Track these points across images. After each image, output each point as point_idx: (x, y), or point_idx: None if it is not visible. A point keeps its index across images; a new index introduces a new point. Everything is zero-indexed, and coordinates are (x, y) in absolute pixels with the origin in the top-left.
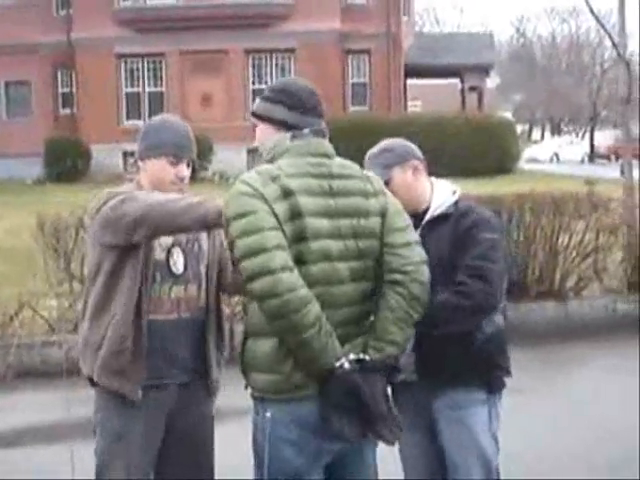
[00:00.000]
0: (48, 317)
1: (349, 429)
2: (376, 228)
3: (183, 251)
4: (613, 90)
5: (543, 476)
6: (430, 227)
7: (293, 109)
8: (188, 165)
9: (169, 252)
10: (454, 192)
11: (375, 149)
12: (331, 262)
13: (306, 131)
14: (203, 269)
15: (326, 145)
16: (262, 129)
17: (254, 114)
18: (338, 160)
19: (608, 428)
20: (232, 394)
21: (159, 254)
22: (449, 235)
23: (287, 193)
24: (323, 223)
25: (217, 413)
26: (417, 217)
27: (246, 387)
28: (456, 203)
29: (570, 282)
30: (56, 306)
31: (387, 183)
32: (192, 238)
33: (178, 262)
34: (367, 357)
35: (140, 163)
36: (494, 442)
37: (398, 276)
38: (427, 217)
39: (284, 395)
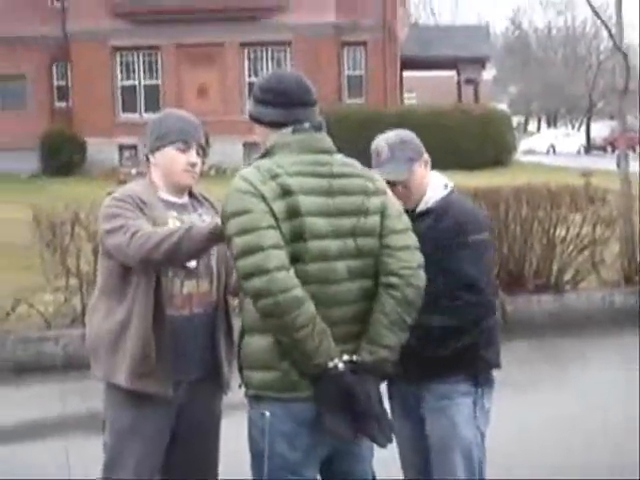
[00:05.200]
0: (44, 312)
1: (341, 429)
2: (376, 227)
3: None
4: (609, 82)
5: (541, 469)
6: (414, 223)
7: (282, 107)
8: (198, 153)
9: None
10: (446, 186)
11: (394, 138)
12: (329, 261)
13: (307, 125)
14: (214, 264)
15: (326, 140)
16: (260, 130)
17: (250, 116)
18: (339, 157)
19: (607, 421)
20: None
21: None
22: (430, 231)
23: (286, 192)
24: (322, 222)
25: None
26: (407, 212)
27: (240, 386)
28: (446, 197)
29: (567, 275)
30: (52, 301)
31: (403, 180)
32: None
33: None
34: (360, 359)
35: (151, 158)
36: (478, 434)
37: (394, 279)
38: (415, 212)
39: (279, 394)
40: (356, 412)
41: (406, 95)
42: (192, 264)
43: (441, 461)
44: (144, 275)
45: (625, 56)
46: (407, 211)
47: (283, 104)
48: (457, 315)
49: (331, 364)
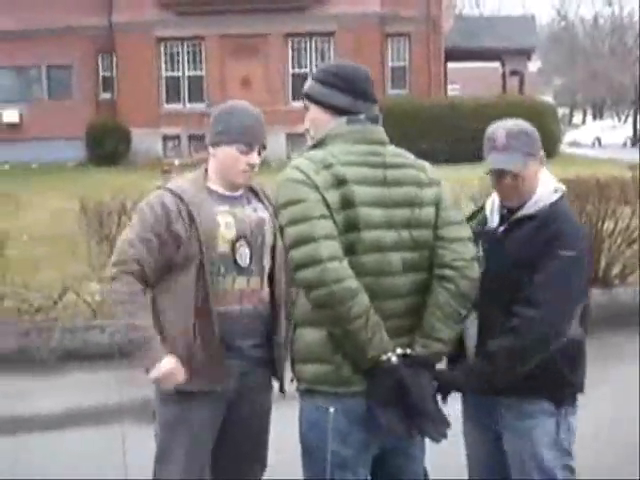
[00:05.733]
0: (91, 301)
1: (394, 424)
2: (430, 218)
3: (248, 243)
4: None
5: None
6: (515, 225)
7: (349, 94)
8: (259, 152)
9: (234, 245)
10: (556, 190)
11: (512, 127)
12: (383, 252)
13: (362, 117)
14: (267, 262)
15: (381, 132)
16: (316, 113)
17: (308, 96)
18: (392, 148)
19: None
20: None
21: (223, 247)
22: (531, 239)
23: (340, 181)
24: (376, 213)
25: None
26: (510, 211)
27: (292, 380)
28: (555, 204)
29: (616, 269)
30: (98, 290)
31: (516, 173)
32: (256, 231)
33: (244, 255)
34: (414, 352)
35: (210, 149)
36: (560, 455)
37: (448, 271)
38: (519, 214)
39: (332, 388)
40: (409, 407)
41: (450, 87)
42: (246, 262)
43: None
44: (185, 273)
45: None
46: (509, 210)
47: (353, 92)
48: (516, 334)
49: (384, 357)
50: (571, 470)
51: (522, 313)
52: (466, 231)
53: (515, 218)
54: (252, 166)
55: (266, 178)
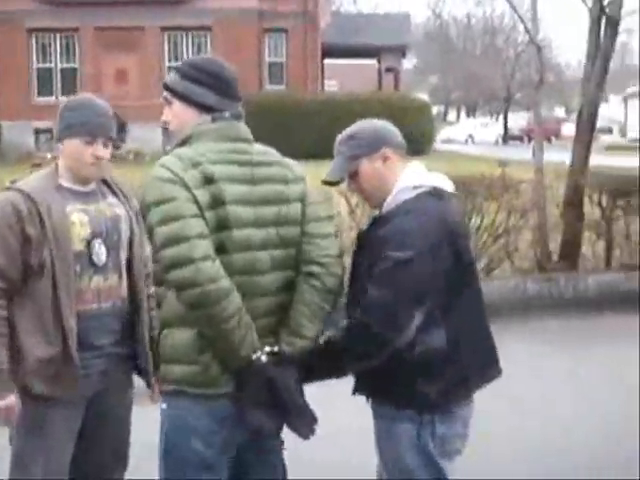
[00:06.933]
0: None
1: (265, 423)
2: (297, 215)
3: (104, 241)
4: (526, 74)
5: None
6: (372, 226)
7: (216, 92)
8: (106, 145)
9: (89, 244)
10: (416, 187)
11: (343, 134)
12: (253, 251)
13: (227, 114)
14: (124, 258)
15: (246, 130)
16: (180, 108)
17: (171, 90)
18: (257, 146)
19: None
20: None
21: (78, 246)
22: (370, 240)
23: (209, 180)
24: (246, 211)
25: None
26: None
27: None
28: (408, 202)
29: (482, 263)
30: None
31: (355, 174)
32: (112, 228)
33: (100, 253)
34: (281, 350)
35: (59, 145)
36: (423, 459)
37: (314, 268)
38: (377, 214)
39: (199, 390)
40: (280, 405)
41: (327, 83)
42: (102, 260)
43: None
44: (39, 276)
45: (539, 49)
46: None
47: (219, 89)
48: (346, 336)
49: (254, 356)
50: (439, 473)
51: (353, 316)
52: (332, 227)
53: (373, 218)
54: (99, 158)
55: (141, 172)
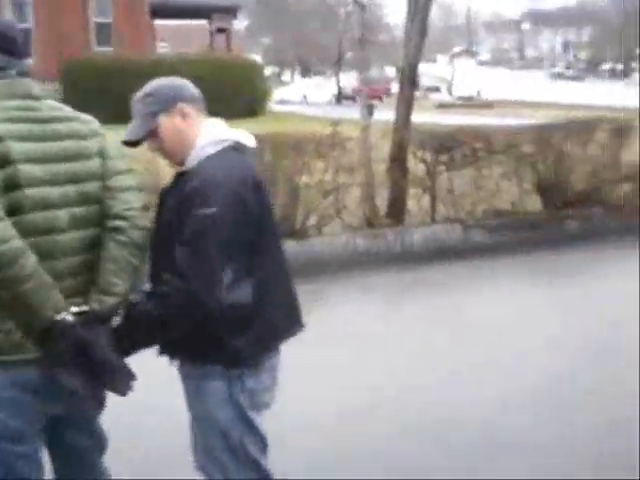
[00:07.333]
0: None
1: (79, 385)
2: (97, 170)
3: None
4: (356, 34)
5: None
6: (174, 183)
7: (2, 51)
8: None
9: None
10: (219, 142)
11: (138, 93)
12: (50, 210)
13: (12, 72)
14: None
15: (34, 86)
16: None
17: None
18: (48, 102)
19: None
20: None
21: None
22: (173, 197)
23: None
24: (38, 169)
25: None
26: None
27: None
28: (210, 158)
29: (312, 220)
30: None
31: (154, 133)
32: None
33: None
34: (89, 309)
35: None
36: (236, 412)
37: (118, 222)
38: (179, 171)
39: (3, 357)
40: (93, 365)
41: (159, 44)
42: None
43: (198, 441)
44: None
45: (363, 8)
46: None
47: (4, 48)
48: (162, 300)
49: (59, 317)
50: (251, 426)
51: (167, 280)
52: (133, 180)
53: (176, 175)
54: None
55: None
